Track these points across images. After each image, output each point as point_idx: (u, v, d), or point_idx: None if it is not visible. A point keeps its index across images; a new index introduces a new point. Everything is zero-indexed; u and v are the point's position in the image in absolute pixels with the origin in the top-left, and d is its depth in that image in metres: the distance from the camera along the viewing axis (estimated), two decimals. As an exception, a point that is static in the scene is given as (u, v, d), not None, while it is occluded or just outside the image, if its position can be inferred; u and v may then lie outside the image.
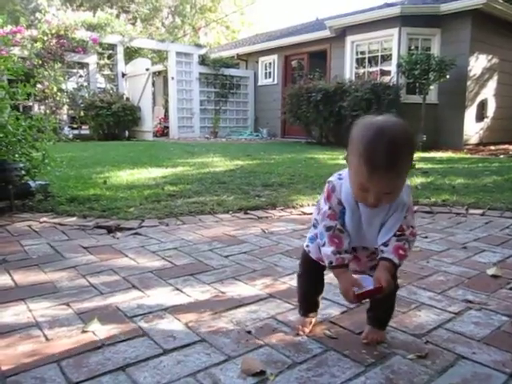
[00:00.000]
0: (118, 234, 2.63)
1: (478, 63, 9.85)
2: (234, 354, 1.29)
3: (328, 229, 1.27)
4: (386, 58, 10.58)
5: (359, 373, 1.20)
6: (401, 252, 1.21)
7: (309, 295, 1.49)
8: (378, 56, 10.75)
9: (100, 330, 1.43)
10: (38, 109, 11.25)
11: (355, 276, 1.28)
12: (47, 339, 1.37)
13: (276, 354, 1.29)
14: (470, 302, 1.66)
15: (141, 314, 1.55)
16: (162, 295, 1.73)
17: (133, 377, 1.17)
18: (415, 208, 3.35)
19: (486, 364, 1.24)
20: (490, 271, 1.98)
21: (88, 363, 1.24)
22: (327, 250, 1.26)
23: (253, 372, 1.18)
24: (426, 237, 2.60)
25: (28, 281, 1.87)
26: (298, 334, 1.41)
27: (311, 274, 1.46)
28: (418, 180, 4.58)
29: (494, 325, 1.48)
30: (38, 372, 1.19)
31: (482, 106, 10.15)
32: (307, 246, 1.42)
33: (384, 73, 10.54)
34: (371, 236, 1.27)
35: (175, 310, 1.59)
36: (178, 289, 1.79)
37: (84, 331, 1.42)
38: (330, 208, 1.27)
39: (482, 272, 1.99)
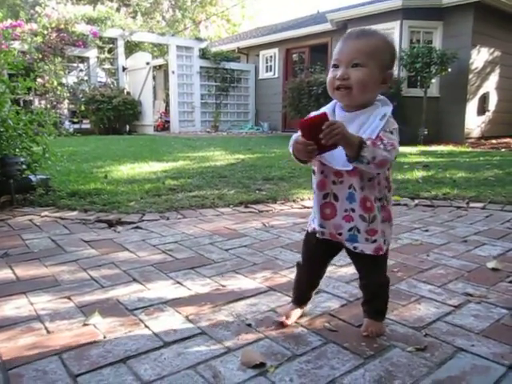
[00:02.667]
0: (119, 228, 2.64)
1: (479, 56, 9.79)
2: (233, 346, 1.30)
3: None
4: (388, 52, 10.52)
5: (358, 365, 1.21)
6: (371, 140, 1.14)
7: (302, 286, 1.48)
8: (379, 49, 10.68)
9: (101, 323, 1.43)
10: (38, 103, 11.24)
11: None
12: (48, 332, 1.38)
13: (276, 346, 1.30)
14: (470, 295, 1.67)
15: (141, 307, 1.56)
16: (163, 288, 1.73)
17: (133, 369, 1.18)
18: (416, 202, 3.35)
19: (484, 356, 1.24)
20: (490, 264, 1.98)
21: (89, 356, 1.24)
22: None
23: (253, 364, 1.19)
24: (427, 230, 2.61)
25: (29, 274, 1.88)
26: (280, 324, 1.42)
27: (312, 265, 1.45)
28: (419, 173, 4.58)
29: (493, 317, 1.48)
30: (40, 364, 1.20)
31: (484, 99, 10.11)
32: (309, 224, 1.42)
33: (385, 66, 10.48)
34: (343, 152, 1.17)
35: (176, 303, 1.60)
36: (178, 282, 1.80)
37: (85, 324, 1.43)
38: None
39: (482, 265, 1.99)
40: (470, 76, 9.62)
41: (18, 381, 1.13)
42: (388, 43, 1.26)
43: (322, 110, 1.29)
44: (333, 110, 1.30)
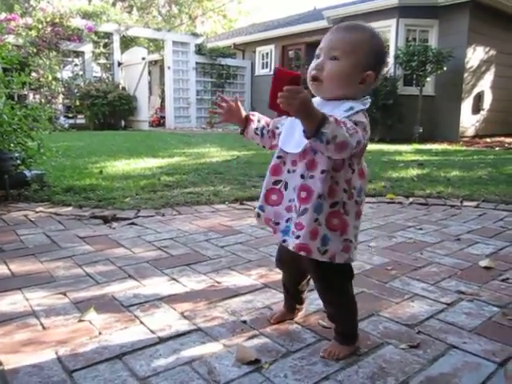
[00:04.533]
0: (114, 224, 2.64)
1: (475, 55, 9.83)
2: (229, 342, 1.31)
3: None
4: (384, 49, 10.55)
5: (352, 362, 1.22)
6: (337, 120, 1.03)
7: (284, 286, 1.46)
8: (375, 47, 10.70)
9: (96, 319, 1.44)
10: (32, 98, 11.16)
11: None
12: (44, 328, 1.39)
13: (270, 343, 1.31)
14: (463, 293, 1.69)
15: (137, 304, 1.56)
16: (158, 285, 1.74)
17: (129, 365, 1.19)
18: (410, 200, 3.37)
19: (476, 353, 1.26)
20: (483, 263, 2.00)
21: (85, 352, 1.25)
22: None
23: (247, 360, 1.20)
24: (421, 228, 2.62)
25: (24, 270, 1.87)
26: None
27: (280, 262, 1.41)
28: (413, 172, 4.60)
29: (485, 315, 1.50)
30: (36, 360, 1.21)
31: (479, 98, 10.16)
32: None
33: (381, 64, 10.51)
34: (300, 137, 1.08)
35: (171, 299, 1.61)
36: (173, 279, 1.80)
37: (80, 320, 1.43)
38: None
39: (475, 264, 2.02)
40: (466, 75, 9.66)
41: (14, 376, 1.14)
42: (375, 42, 1.18)
43: None
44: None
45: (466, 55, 9.53)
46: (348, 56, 1.14)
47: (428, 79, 9.46)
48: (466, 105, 9.89)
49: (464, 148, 8.23)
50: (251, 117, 1.33)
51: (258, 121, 1.33)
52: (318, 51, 1.20)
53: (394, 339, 1.34)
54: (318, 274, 1.25)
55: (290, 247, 1.19)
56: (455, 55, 9.04)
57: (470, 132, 10.22)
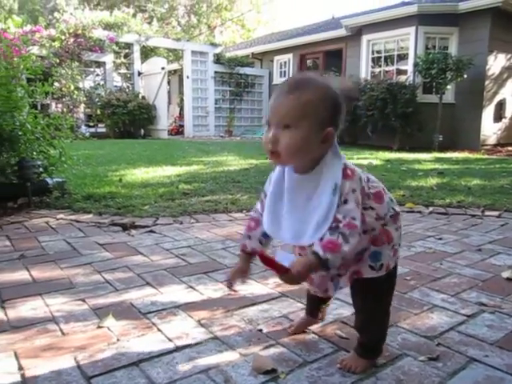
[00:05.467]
0: (133, 232, 2.67)
1: (496, 62, 9.69)
2: (245, 351, 1.31)
3: (254, 211, 1.32)
4: (403, 57, 10.48)
5: (370, 373, 1.20)
6: (329, 245, 1.05)
7: (308, 291, 1.44)
8: (394, 55, 10.65)
9: (115, 326, 1.45)
10: (55, 107, 11.43)
11: (279, 251, 1.23)
12: (63, 333, 1.41)
13: (287, 352, 1.30)
14: (484, 304, 1.65)
15: (154, 311, 1.58)
16: (176, 292, 1.75)
17: (146, 372, 1.20)
18: (430, 209, 3.32)
19: (498, 367, 1.23)
20: (505, 274, 1.95)
21: (103, 358, 1.26)
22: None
23: (264, 370, 1.19)
24: (441, 238, 2.58)
25: (45, 276, 1.91)
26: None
27: None
28: (433, 181, 4.54)
29: (507, 328, 1.46)
30: (55, 365, 1.22)
31: (500, 106, 9.98)
32: None
33: (400, 72, 10.45)
34: (293, 224, 1.13)
35: (188, 307, 1.61)
36: (191, 286, 1.81)
37: (99, 327, 1.45)
38: (263, 192, 1.28)
39: (497, 275, 1.97)
40: (487, 82, 9.52)
41: (33, 381, 1.15)
42: (327, 95, 1.08)
43: (274, 173, 1.22)
44: (284, 170, 1.18)
45: (487, 62, 9.40)
46: (301, 121, 1.05)
47: (448, 87, 9.36)
48: (488, 113, 9.73)
49: (485, 156, 8.09)
50: (248, 249, 1.37)
51: (257, 240, 1.35)
52: (267, 119, 1.11)
53: (412, 351, 1.31)
54: (362, 284, 1.20)
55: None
56: (476, 63, 8.93)
57: (492, 140, 10.04)
